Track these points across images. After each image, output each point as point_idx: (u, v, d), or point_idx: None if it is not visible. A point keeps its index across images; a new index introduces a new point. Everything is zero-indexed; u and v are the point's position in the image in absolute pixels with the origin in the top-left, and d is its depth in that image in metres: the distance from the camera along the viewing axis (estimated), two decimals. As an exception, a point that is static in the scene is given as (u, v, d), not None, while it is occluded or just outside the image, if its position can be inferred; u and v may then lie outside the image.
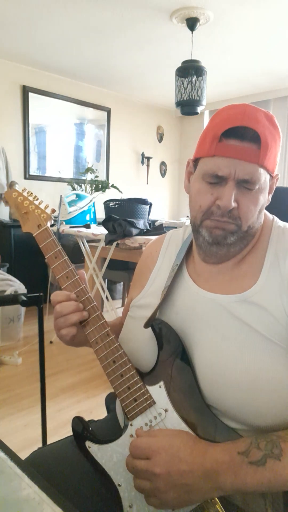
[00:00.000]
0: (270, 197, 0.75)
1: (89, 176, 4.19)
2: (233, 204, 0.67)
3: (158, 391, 0.68)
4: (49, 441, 1.54)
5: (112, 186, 3.87)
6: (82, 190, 4.08)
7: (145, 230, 2.69)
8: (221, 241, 0.70)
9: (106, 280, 3.59)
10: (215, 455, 0.59)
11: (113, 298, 4.14)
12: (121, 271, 3.42)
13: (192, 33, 3.08)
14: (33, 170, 4.26)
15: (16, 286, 3.01)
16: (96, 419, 0.92)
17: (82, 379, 2.48)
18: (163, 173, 5.70)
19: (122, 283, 4.15)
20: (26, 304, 1.37)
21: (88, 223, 3.24)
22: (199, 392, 0.67)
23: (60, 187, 4.41)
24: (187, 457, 0.59)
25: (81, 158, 4.69)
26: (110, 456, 0.67)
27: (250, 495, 0.62)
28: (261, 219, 0.73)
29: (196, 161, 0.73)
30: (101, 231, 2.80)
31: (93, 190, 4.00)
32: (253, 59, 3.75)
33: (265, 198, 0.71)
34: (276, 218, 0.79)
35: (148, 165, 5.38)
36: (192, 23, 2.97)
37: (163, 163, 5.68)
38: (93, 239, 2.98)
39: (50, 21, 3.06)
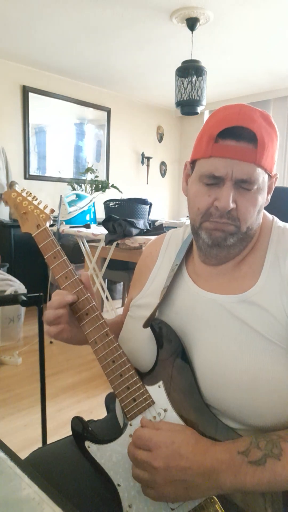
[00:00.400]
0: (269, 197, 0.74)
1: (89, 176, 4.19)
2: (232, 205, 0.66)
3: (157, 391, 0.68)
4: (49, 441, 1.54)
5: (112, 186, 3.87)
6: (82, 190, 4.08)
7: (145, 230, 2.69)
8: (221, 243, 0.69)
9: (106, 280, 3.59)
10: (215, 454, 0.59)
11: (113, 298, 4.15)
12: (121, 271, 3.42)
13: (192, 33, 3.08)
14: (33, 170, 4.26)
15: (16, 286, 3.01)
16: (96, 419, 0.92)
17: (82, 379, 2.48)
18: (163, 173, 5.70)
19: (122, 283, 4.15)
20: (26, 304, 1.37)
21: (88, 223, 3.24)
22: (198, 392, 0.67)
23: (60, 187, 4.41)
24: (188, 454, 0.59)
25: (81, 158, 4.69)
26: (110, 456, 0.68)
27: (250, 495, 0.62)
28: (260, 220, 0.73)
29: (193, 163, 0.73)
30: (101, 231, 2.80)
31: (93, 190, 4.00)
32: (253, 59, 3.75)
33: (264, 198, 0.71)
34: (276, 218, 0.79)
35: (148, 165, 5.38)
36: (192, 23, 2.97)
37: (163, 163, 5.68)
38: (93, 239, 2.98)
39: (50, 21, 3.06)
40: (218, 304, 0.71)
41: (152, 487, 0.61)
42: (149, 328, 0.72)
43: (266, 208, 0.79)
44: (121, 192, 4.06)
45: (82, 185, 4.20)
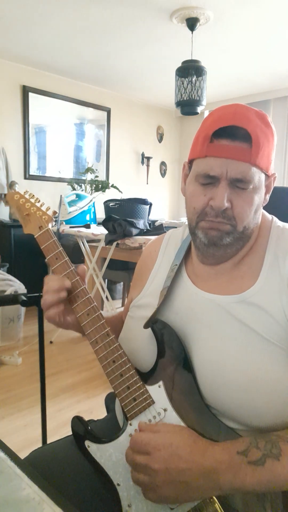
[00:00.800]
0: (267, 197, 0.74)
1: (89, 176, 4.19)
2: (226, 204, 0.66)
3: (157, 391, 0.68)
4: (49, 441, 1.54)
5: (112, 186, 3.87)
6: (82, 190, 4.08)
7: (145, 230, 2.69)
8: (217, 242, 0.69)
9: (106, 280, 3.59)
10: (214, 454, 0.59)
11: (113, 298, 4.15)
12: (121, 271, 3.42)
13: (192, 33, 3.08)
14: (33, 170, 4.26)
15: (16, 286, 3.01)
16: (96, 419, 0.92)
17: (82, 379, 2.48)
18: (163, 173, 5.70)
19: (122, 283, 4.15)
20: (26, 304, 1.37)
21: (88, 223, 3.24)
22: (198, 392, 0.67)
23: (60, 187, 4.41)
24: (186, 455, 0.59)
25: (81, 158, 4.69)
26: (109, 456, 0.68)
27: (249, 496, 0.62)
28: (257, 220, 0.73)
29: (190, 163, 0.73)
30: (101, 231, 2.80)
31: (93, 190, 4.00)
32: (253, 59, 3.75)
33: (260, 198, 0.71)
34: (275, 218, 0.79)
35: (148, 165, 5.38)
36: (192, 23, 2.97)
37: (163, 163, 5.68)
38: (93, 239, 2.98)
39: (50, 21, 3.06)
40: (217, 305, 0.71)
41: (152, 490, 0.60)
42: (149, 329, 0.72)
43: (265, 208, 0.79)
44: (121, 192, 4.06)
45: (82, 185, 4.20)
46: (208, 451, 0.60)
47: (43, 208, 0.81)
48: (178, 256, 0.81)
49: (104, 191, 4.00)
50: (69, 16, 2.96)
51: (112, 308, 3.14)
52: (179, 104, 3.19)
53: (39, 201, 0.82)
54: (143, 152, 5.33)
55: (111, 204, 2.94)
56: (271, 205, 0.77)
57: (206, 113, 5.39)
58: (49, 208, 0.81)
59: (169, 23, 3.05)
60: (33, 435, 1.86)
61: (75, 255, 3.48)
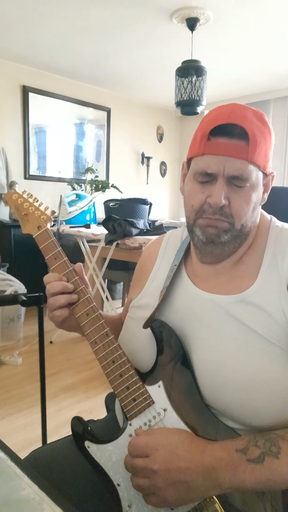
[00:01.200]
0: (266, 196, 0.75)
1: (89, 176, 4.19)
2: (223, 201, 0.67)
3: (157, 391, 0.68)
4: (49, 441, 1.54)
5: (112, 186, 3.87)
6: (82, 190, 4.08)
7: (145, 230, 2.69)
8: (214, 240, 0.70)
9: (106, 280, 3.59)
10: (213, 453, 0.59)
11: (113, 298, 4.15)
12: (121, 271, 3.42)
13: (192, 33, 3.08)
14: (33, 170, 4.26)
15: (16, 286, 3.01)
16: (96, 419, 0.92)
17: (82, 379, 2.48)
18: (163, 173, 5.70)
19: (122, 283, 4.15)
20: (26, 304, 1.37)
21: (88, 223, 3.24)
22: (198, 392, 0.67)
23: (60, 187, 4.41)
24: (185, 454, 0.59)
25: (81, 158, 4.69)
26: (109, 456, 0.68)
27: (249, 495, 0.62)
28: (256, 218, 0.73)
29: (189, 162, 0.74)
30: (101, 231, 2.80)
31: (93, 190, 4.00)
32: (253, 59, 3.75)
33: (258, 196, 0.71)
34: (274, 218, 0.79)
35: (148, 165, 5.38)
36: (192, 23, 2.97)
37: (163, 163, 5.68)
38: (93, 239, 2.98)
39: (50, 21, 3.06)
40: (216, 304, 0.71)
41: (153, 493, 0.60)
42: (149, 329, 0.72)
43: (265, 208, 0.79)
44: (121, 192, 4.06)
45: (82, 185, 4.20)
46: (207, 450, 0.60)
47: (42, 208, 0.81)
48: (178, 256, 0.81)
49: (104, 191, 4.00)
50: (69, 16, 2.96)
51: (112, 308, 3.14)
52: (179, 104, 3.19)
53: (37, 200, 0.82)
54: (143, 152, 5.33)
55: (111, 204, 2.94)
56: (270, 205, 0.77)
57: (206, 113, 5.41)
58: (48, 208, 0.81)
59: (169, 23, 3.05)
60: (33, 435, 1.86)
61: (75, 255, 3.48)
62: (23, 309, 3.07)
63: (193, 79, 3.07)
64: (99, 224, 3.20)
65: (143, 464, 0.60)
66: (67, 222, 3.21)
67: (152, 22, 3.04)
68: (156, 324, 0.71)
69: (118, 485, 0.67)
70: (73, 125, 4.56)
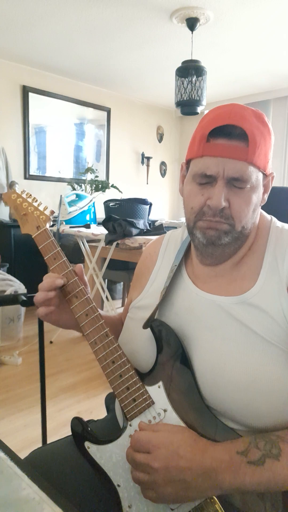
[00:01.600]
0: (266, 197, 0.74)
1: (89, 176, 4.19)
2: (224, 203, 0.66)
3: (157, 391, 0.68)
4: (49, 441, 1.54)
5: (112, 186, 3.87)
6: (82, 190, 4.08)
7: (145, 230, 2.69)
8: (215, 242, 0.69)
9: (106, 280, 3.59)
10: (214, 454, 0.59)
11: (113, 298, 4.15)
12: (121, 271, 3.42)
13: (192, 33, 3.08)
14: (33, 170, 4.26)
15: (16, 286, 3.01)
16: (96, 419, 0.92)
17: (82, 379, 2.48)
18: (163, 173, 5.70)
19: (122, 283, 4.15)
20: (26, 304, 1.37)
21: (88, 223, 3.24)
22: (198, 393, 0.67)
23: (60, 187, 4.41)
24: (186, 454, 0.60)
25: (81, 158, 4.69)
26: (109, 456, 0.68)
27: (250, 497, 0.62)
28: (256, 219, 0.73)
29: (188, 163, 0.73)
30: (101, 231, 2.80)
31: (93, 190, 4.00)
32: (253, 59, 3.75)
33: (258, 197, 0.71)
34: (274, 219, 0.79)
35: (148, 165, 5.38)
36: (192, 23, 2.97)
37: (163, 163, 5.68)
38: (93, 239, 2.98)
39: (50, 21, 3.06)
40: (217, 305, 0.71)
41: (152, 488, 0.61)
42: (149, 329, 0.72)
43: (265, 208, 0.79)
44: (121, 192, 4.06)
45: (82, 185, 4.20)
46: (208, 451, 0.60)
47: (41, 208, 0.80)
48: (178, 256, 0.81)
49: (104, 191, 4.00)
50: (70, 16, 2.96)
51: (112, 308, 3.14)
52: (179, 104, 3.19)
53: (36, 200, 0.82)
54: (143, 152, 5.33)
55: (111, 204, 2.94)
56: (271, 205, 0.77)
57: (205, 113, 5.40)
58: (47, 208, 0.81)
59: (169, 23, 3.05)
60: (33, 435, 1.86)
61: (75, 255, 3.47)
62: (23, 309, 3.07)
63: (193, 79, 3.07)
64: (99, 224, 3.20)
65: (144, 460, 0.61)
66: (67, 222, 3.21)
67: (152, 22, 3.04)
68: (155, 324, 0.71)
69: (118, 485, 0.67)
70: (73, 125, 4.56)
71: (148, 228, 2.75)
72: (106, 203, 3.02)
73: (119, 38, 3.34)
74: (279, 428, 0.63)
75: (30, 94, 4.12)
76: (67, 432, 0.73)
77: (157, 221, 3.33)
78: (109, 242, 2.64)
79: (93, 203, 3.43)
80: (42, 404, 1.52)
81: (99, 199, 3.92)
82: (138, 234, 2.62)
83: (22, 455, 0.70)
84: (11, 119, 4.05)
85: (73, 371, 2.59)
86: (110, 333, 0.72)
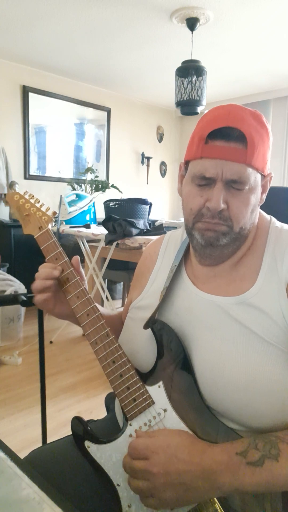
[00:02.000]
0: (264, 197, 0.74)
1: (89, 176, 4.19)
2: (222, 205, 0.66)
3: (157, 391, 0.68)
4: (49, 441, 1.54)
5: (112, 186, 3.87)
6: (82, 190, 4.08)
7: (145, 230, 2.69)
8: (213, 243, 0.70)
9: (106, 280, 3.59)
10: (213, 455, 0.59)
11: (113, 298, 4.15)
12: (121, 271, 3.42)
13: (192, 33, 3.08)
14: (33, 170, 4.26)
15: (16, 286, 3.01)
16: (96, 419, 0.92)
17: (82, 379, 2.48)
18: (163, 173, 5.70)
19: (122, 283, 4.15)
20: (26, 304, 1.37)
21: (88, 223, 3.24)
22: (198, 393, 0.67)
23: (60, 187, 4.41)
24: (185, 457, 0.59)
25: (81, 158, 4.69)
26: (109, 456, 0.68)
27: (248, 497, 0.62)
28: (254, 220, 0.73)
29: (186, 164, 0.73)
30: (101, 231, 2.80)
31: (93, 190, 4.00)
32: (253, 59, 3.75)
33: (257, 198, 0.71)
34: (273, 219, 0.79)
35: (148, 165, 5.38)
36: (192, 23, 2.97)
37: (163, 163, 5.68)
38: (93, 239, 2.98)
39: (50, 21, 3.06)
40: (217, 306, 0.71)
41: (152, 495, 0.60)
42: (149, 329, 0.72)
43: (265, 209, 0.79)
44: (121, 192, 4.06)
45: (82, 185, 4.20)
46: (207, 452, 0.60)
47: (43, 209, 0.81)
48: (178, 257, 0.81)
49: (104, 191, 4.00)
50: (69, 16, 2.96)
51: (112, 308, 3.14)
52: (179, 104, 3.19)
53: (39, 201, 0.82)
54: (143, 152, 5.33)
55: (111, 204, 2.94)
56: (271, 205, 0.77)
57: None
58: (49, 209, 0.81)
59: (169, 23, 3.05)
60: (33, 435, 1.86)
61: (75, 255, 3.46)
62: (23, 309, 3.07)
63: (193, 79, 3.07)
64: (99, 224, 3.19)
65: (143, 466, 0.60)
66: (67, 222, 3.21)
67: (152, 22, 3.04)
68: (157, 327, 0.71)
69: (118, 485, 0.67)
70: (73, 125, 4.56)
71: (148, 228, 2.75)
72: (106, 203, 3.02)
73: (119, 38, 3.34)
74: (279, 428, 0.63)
75: (30, 94, 4.12)
76: (67, 432, 0.73)
77: (157, 221, 3.33)
78: (109, 242, 2.64)
79: (93, 203, 3.43)
80: (42, 404, 1.52)
81: (99, 199, 3.92)
82: (138, 234, 2.62)
83: (22, 455, 0.70)
84: (11, 119, 4.05)
85: (73, 371, 2.59)
86: (111, 333, 0.72)
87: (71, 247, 3.59)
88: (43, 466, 0.77)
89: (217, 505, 0.62)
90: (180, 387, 0.68)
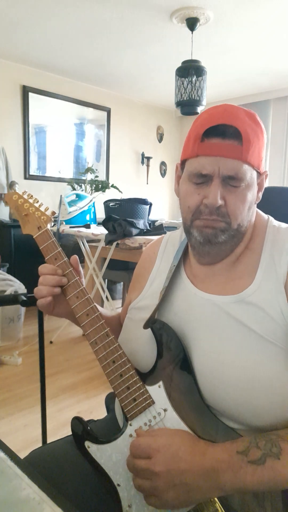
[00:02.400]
0: (260, 195, 0.75)
1: (89, 176, 4.19)
2: (220, 202, 0.67)
3: (157, 391, 0.68)
4: (49, 441, 1.54)
5: (112, 186, 3.87)
6: (82, 190, 4.08)
7: (145, 230, 2.69)
8: (212, 240, 0.70)
9: (106, 280, 3.59)
10: (214, 454, 0.59)
11: (113, 298, 4.14)
12: (121, 271, 3.42)
13: (192, 33, 3.08)
14: (33, 170, 4.26)
15: (16, 286, 3.01)
16: (96, 419, 0.92)
17: (82, 379, 2.48)
18: (163, 173, 5.71)
19: (122, 283, 4.14)
20: (26, 304, 1.37)
21: (88, 223, 3.24)
22: (198, 392, 0.67)
23: (60, 187, 4.41)
24: (186, 456, 0.59)
25: (81, 158, 4.69)
26: (109, 456, 0.68)
27: (248, 497, 0.62)
28: (251, 217, 0.74)
29: (183, 163, 0.74)
30: (101, 231, 2.80)
31: (93, 190, 4.00)
32: (253, 59, 3.75)
33: (253, 196, 0.72)
34: (271, 218, 0.79)
35: (148, 165, 5.38)
36: (192, 23, 2.97)
37: (163, 163, 5.68)
38: (93, 239, 2.98)
39: (50, 21, 3.06)
40: (215, 305, 0.71)
41: (154, 494, 0.60)
42: (149, 330, 0.72)
43: (265, 208, 0.79)
44: (121, 192, 4.06)
45: (82, 185, 4.20)
46: (208, 451, 0.60)
47: (42, 208, 0.81)
48: (176, 257, 0.82)
49: (104, 191, 4.00)
50: (70, 16, 2.96)
51: (112, 308, 3.14)
52: (179, 104, 3.19)
53: (37, 201, 0.82)
54: (143, 152, 5.33)
55: (111, 204, 2.94)
56: (271, 205, 0.77)
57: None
58: (48, 208, 0.81)
59: (169, 23, 3.05)
60: (33, 435, 1.86)
61: (75, 255, 3.47)
62: (23, 309, 3.07)
63: (193, 79, 3.07)
64: (99, 224, 3.19)
65: (145, 465, 0.60)
66: (67, 222, 3.21)
67: (152, 22, 3.04)
68: (156, 326, 0.71)
69: (118, 485, 0.67)
70: (73, 125, 4.56)
71: (148, 228, 2.75)
72: (106, 203, 3.02)
73: (119, 38, 3.34)
74: (279, 426, 0.63)
75: (30, 94, 4.12)
76: (67, 432, 0.73)
77: (157, 221, 3.33)
78: (109, 242, 2.64)
79: (93, 203, 3.43)
80: (42, 404, 1.52)
81: (99, 199, 3.92)
82: (138, 234, 2.62)
83: (22, 455, 0.70)
84: (11, 119, 4.06)
85: (73, 371, 2.59)
86: (111, 333, 0.72)
87: (71, 247, 3.59)
88: (43, 466, 0.77)
89: (218, 505, 0.62)
90: (180, 387, 0.68)
